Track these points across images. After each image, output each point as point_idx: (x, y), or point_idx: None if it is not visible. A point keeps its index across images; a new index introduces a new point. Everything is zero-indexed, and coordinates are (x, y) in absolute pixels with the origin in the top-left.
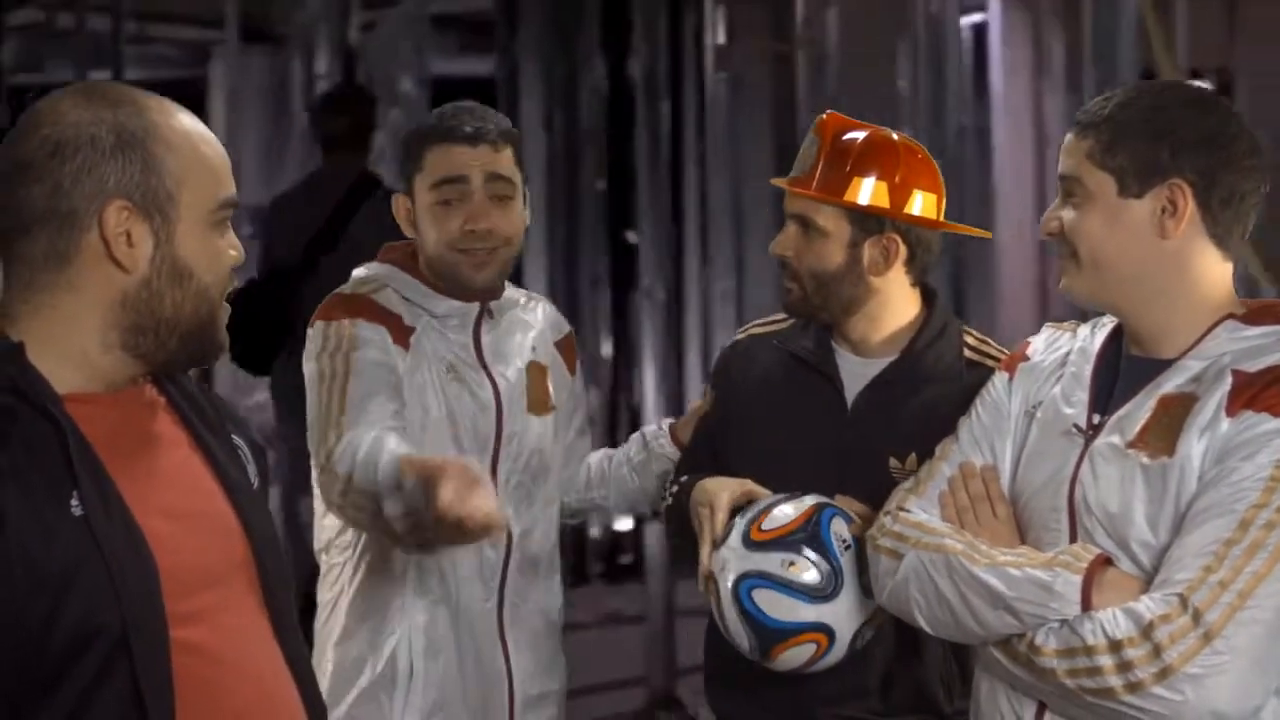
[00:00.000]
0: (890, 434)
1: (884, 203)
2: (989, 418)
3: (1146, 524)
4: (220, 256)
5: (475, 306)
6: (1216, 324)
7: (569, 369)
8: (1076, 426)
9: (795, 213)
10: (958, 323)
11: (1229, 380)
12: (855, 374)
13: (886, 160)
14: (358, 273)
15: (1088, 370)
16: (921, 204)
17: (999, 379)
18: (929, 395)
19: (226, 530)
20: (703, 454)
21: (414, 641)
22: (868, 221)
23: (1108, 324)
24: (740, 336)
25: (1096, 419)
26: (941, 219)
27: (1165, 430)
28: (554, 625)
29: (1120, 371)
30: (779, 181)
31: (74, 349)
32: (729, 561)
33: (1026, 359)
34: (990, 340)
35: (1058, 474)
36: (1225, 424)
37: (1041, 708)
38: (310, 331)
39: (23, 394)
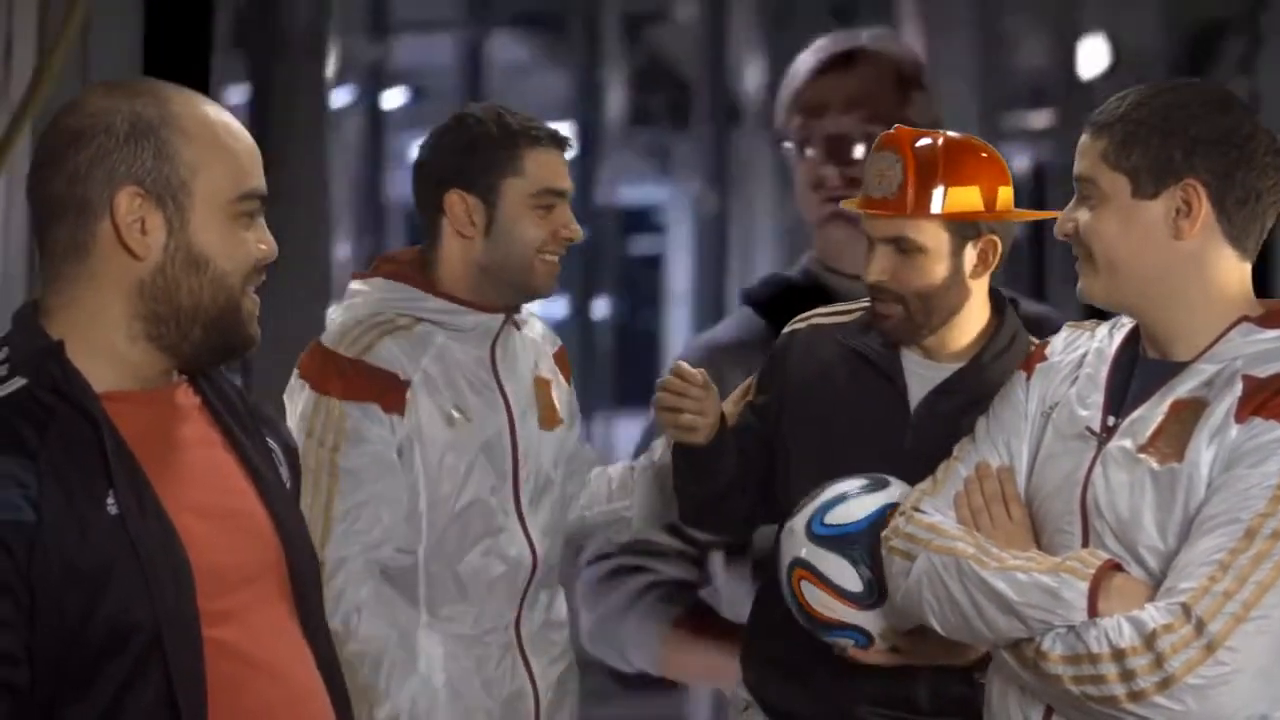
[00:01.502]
0: (950, 442)
1: (979, 205)
2: (1007, 417)
3: (1156, 530)
4: (243, 247)
5: (499, 319)
6: (1231, 326)
7: (566, 380)
8: (1090, 429)
9: (887, 236)
10: (1025, 334)
11: (1239, 386)
12: (920, 378)
13: (969, 163)
14: (351, 312)
15: (1104, 372)
16: (1005, 200)
17: (1018, 379)
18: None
19: (258, 530)
20: (746, 439)
21: (433, 680)
22: (965, 228)
23: (1126, 324)
24: (800, 325)
25: (1111, 421)
26: (1025, 211)
27: (1176, 435)
28: (565, 630)
29: (1135, 374)
30: (865, 206)
31: (104, 343)
32: (789, 540)
33: (1045, 359)
34: None
35: (1071, 476)
36: (1234, 430)
37: (1049, 711)
38: (296, 384)
39: (63, 392)
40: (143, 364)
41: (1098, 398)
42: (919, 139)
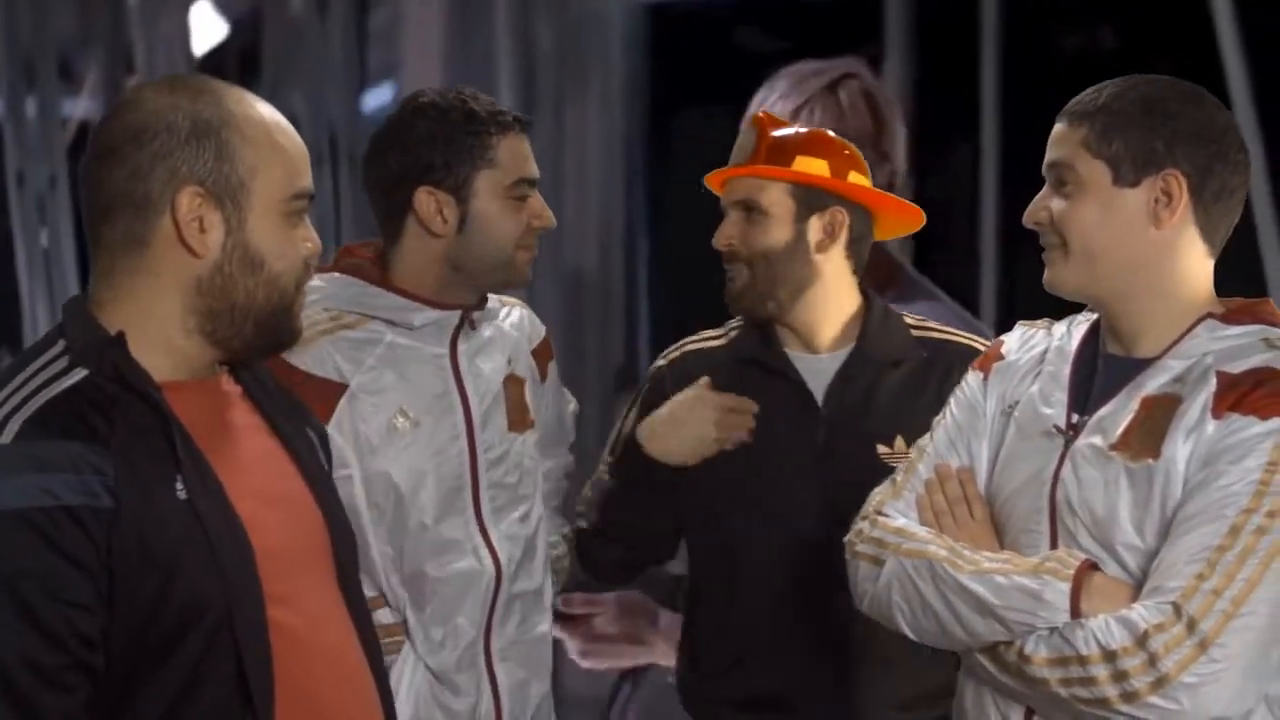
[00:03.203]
0: (871, 422)
1: (826, 174)
2: (964, 418)
3: (1132, 527)
4: (294, 246)
5: (456, 315)
6: (1196, 323)
7: (542, 376)
8: (1056, 427)
9: (737, 199)
10: (896, 312)
11: (1213, 382)
12: (814, 371)
13: (825, 144)
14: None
15: (1066, 370)
16: (853, 180)
17: (973, 378)
18: (898, 376)
19: (307, 514)
20: (638, 470)
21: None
22: (811, 198)
23: (1084, 322)
24: (674, 354)
25: (1076, 419)
26: (882, 193)
27: (1149, 432)
28: (544, 649)
29: (1098, 370)
30: (720, 172)
31: (159, 335)
32: None
33: (1001, 358)
34: (927, 320)
35: (1038, 475)
36: (1211, 426)
37: (1029, 712)
38: None
39: (126, 382)
40: (193, 355)
41: (1061, 396)
42: (783, 125)
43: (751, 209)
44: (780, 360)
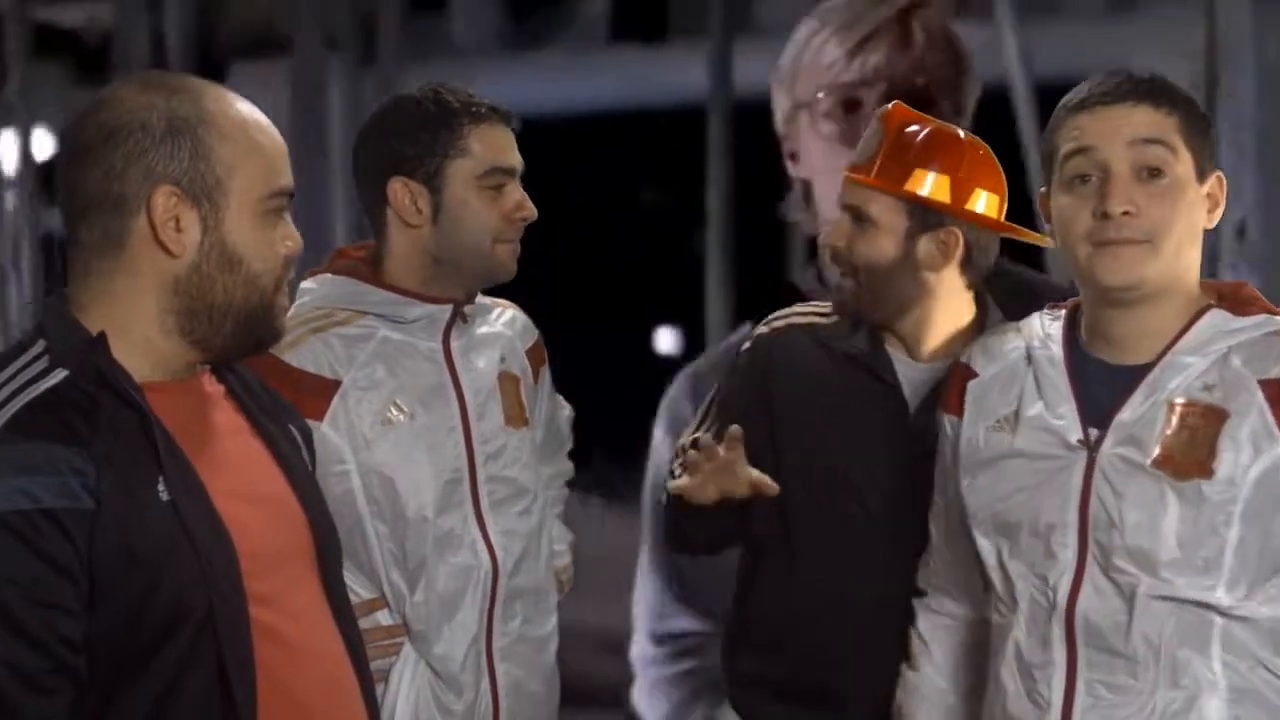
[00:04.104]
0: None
1: (945, 197)
2: (948, 463)
3: (1178, 544)
4: (273, 245)
5: (448, 309)
6: (1198, 316)
7: (534, 379)
8: (1078, 441)
9: (850, 203)
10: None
11: (1258, 392)
12: (913, 380)
13: (950, 154)
14: (295, 311)
15: (1064, 381)
16: (984, 203)
17: (948, 423)
18: None
19: (290, 513)
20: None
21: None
22: (927, 216)
23: (1054, 319)
24: (779, 324)
25: (1094, 433)
26: (1002, 220)
27: (1193, 448)
28: (548, 648)
29: (1090, 375)
30: (847, 174)
31: (139, 336)
32: None
33: (975, 375)
34: None
35: (1060, 489)
36: None
37: (1070, 691)
38: None
39: (106, 384)
40: (174, 356)
41: (1068, 407)
42: (912, 122)
43: (862, 217)
44: (882, 363)
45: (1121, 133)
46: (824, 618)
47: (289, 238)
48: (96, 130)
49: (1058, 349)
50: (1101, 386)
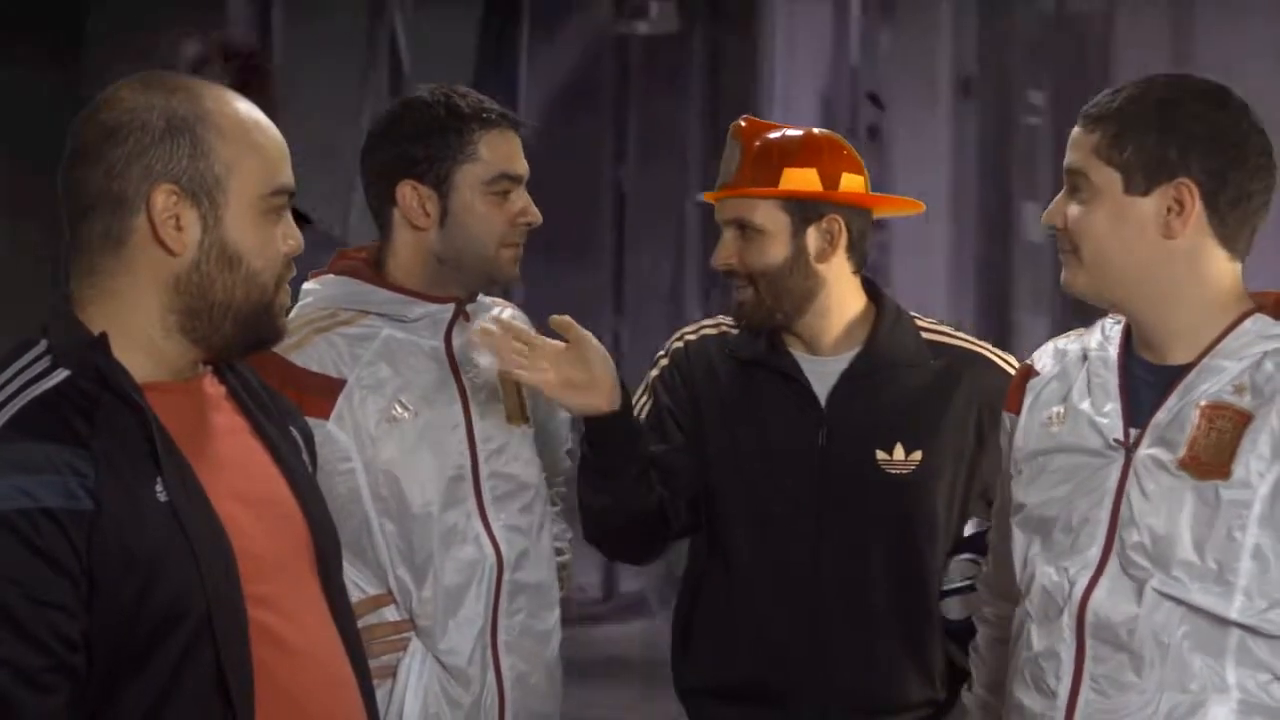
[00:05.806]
0: (872, 428)
1: (818, 186)
2: (1005, 461)
3: (1193, 545)
4: (273, 243)
5: (450, 308)
6: (1239, 320)
7: None
8: (1117, 440)
9: (729, 218)
10: (907, 313)
11: None
12: (818, 373)
13: (810, 149)
14: (299, 312)
15: (1114, 380)
16: (853, 186)
17: (1007, 421)
18: (903, 383)
19: (289, 515)
20: (657, 436)
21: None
22: (806, 210)
23: (1116, 324)
24: (691, 336)
25: (1134, 433)
26: (872, 194)
27: (1216, 449)
28: (551, 643)
29: (1139, 377)
30: (710, 195)
31: (140, 334)
32: None
33: (1036, 374)
34: (944, 323)
35: (1098, 487)
36: None
37: (1075, 684)
38: None
39: (107, 384)
40: (175, 355)
41: (1114, 407)
42: (766, 131)
43: (746, 227)
44: (785, 362)
45: (1068, 152)
46: (762, 617)
47: (289, 236)
48: (97, 130)
49: (1113, 350)
50: (1146, 388)
